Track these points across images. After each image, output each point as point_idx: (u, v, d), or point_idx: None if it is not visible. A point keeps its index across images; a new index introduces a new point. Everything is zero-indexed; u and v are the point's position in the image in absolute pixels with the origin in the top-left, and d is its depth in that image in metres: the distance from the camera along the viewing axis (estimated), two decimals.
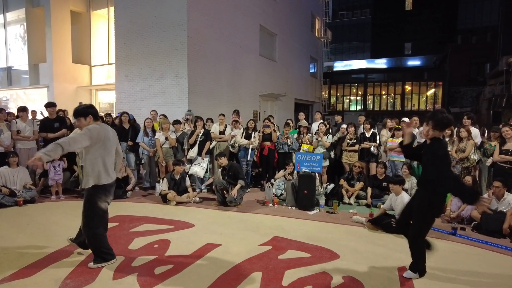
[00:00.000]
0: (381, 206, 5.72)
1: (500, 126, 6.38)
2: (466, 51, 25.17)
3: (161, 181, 6.59)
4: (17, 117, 6.68)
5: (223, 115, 7.74)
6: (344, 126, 7.55)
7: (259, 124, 14.24)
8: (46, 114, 7.09)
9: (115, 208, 5.53)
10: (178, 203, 6.03)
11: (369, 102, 31.31)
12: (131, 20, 11.65)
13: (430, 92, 29.11)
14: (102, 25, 14.91)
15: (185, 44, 10.78)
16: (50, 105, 6.76)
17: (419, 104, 29.35)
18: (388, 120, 7.44)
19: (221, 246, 4.16)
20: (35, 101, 15.04)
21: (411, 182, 6.08)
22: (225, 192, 6.04)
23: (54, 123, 6.60)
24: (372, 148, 7.00)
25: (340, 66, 35.17)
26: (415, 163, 6.69)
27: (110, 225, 4.67)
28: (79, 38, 14.66)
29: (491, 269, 3.68)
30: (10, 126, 6.32)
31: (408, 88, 29.63)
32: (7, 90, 15.89)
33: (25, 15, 14.41)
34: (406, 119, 7.23)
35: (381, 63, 33.79)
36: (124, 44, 11.89)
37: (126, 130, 7.13)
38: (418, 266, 3.40)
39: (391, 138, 6.77)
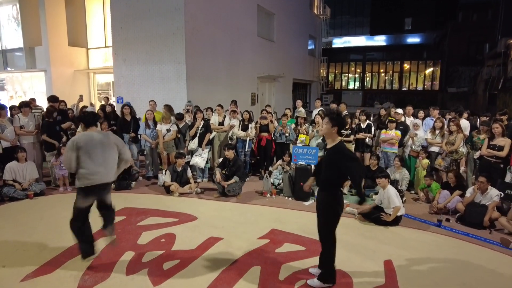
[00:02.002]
0: (373, 196, 6.07)
1: (492, 118, 6.63)
2: (466, 30, 24.91)
3: (163, 171, 6.89)
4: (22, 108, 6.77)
5: (221, 105, 7.91)
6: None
7: (257, 107, 14.45)
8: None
9: (121, 200, 5.85)
10: (180, 194, 6.35)
11: (368, 80, 31.24)
12: (127, 3, 11.50)
13: (429, 71, 29.03)
14: (97, 8, 14.67)
15: (183, 29, 10.73)
16: (52, 100, 6.92)
17: (417, 82, 29.34)
18: (392, 110, 7.66)
19: (223, 240, 4.50)
20: (33, 84, 15.05)
21: (402, 174, 6.40)
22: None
23: (55, 126, 6.77)
24: (367, 139, 7.25)
25: (339, 42, 34.72)
26: (406, 155, 6.99)
27: (118, 218, 5.02)
28: (74, 21, 14.45)
29: (469, 261, 4.04)
30: (12, 121, 6.49)
31: (406, 66, 29.51)
32: (3, 73, 15.82)
33: None
34: (399, 110, 7.43)
35: (380, 40, 33.40)
36: (121, 28, 11.80)
37: (128, 122, 7.32)
38: (325, 275, 3.43)
39: (384, 130, 7.01)
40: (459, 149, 6.18)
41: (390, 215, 5.00)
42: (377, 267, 3.86)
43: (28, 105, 6.71)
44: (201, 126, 7.24)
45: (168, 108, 7.97)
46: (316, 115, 7.68)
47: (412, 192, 6.71)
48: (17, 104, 7.19)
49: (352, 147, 7.25)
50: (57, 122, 6.83)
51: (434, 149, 6.68)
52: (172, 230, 4.77)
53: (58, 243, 4.29)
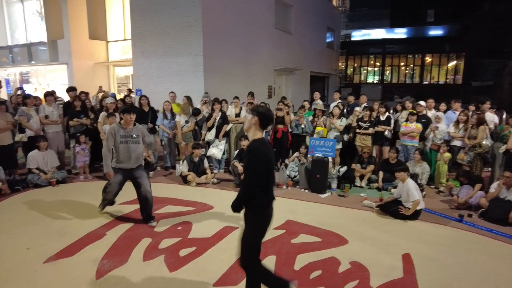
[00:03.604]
0: (392, 189, 5.95)
1: None
2: (492, 20, 23.85)
3: (181, 162, 6.96)
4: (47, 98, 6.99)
5: (237, 97, 7.90)
6: (357, 108, 7.62)
7: (274, 99, 14.37)
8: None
9: None
10: (197, 184, 6.41)
11: (387, 73, 30.52)
12: None
13: (451, 64, 28.08)
14: (117, 1, 14.86)
15: (200, 21, 10.74)
16: (71, 90, 7.11)
17: (438, 76, 28.45)
18: (407, 102, 7.48)
19: (238, 229, 4.51)
20: (56, 77, 15.45)
21: (422, 167, 6.24)
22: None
23: (80, 115, 6.96)
24: (386, 132, 7.10)
25: (358, 35, 33.99)
26: (427, 148, 6.81)
27: (136, 206, 5.13)
28: (94, 14, 14.71)
29: (490, 257, 3.91)
30: (38, 111, 6.68)
31: (428, 59, 28.64)
32: (28, 66, 16.31)
33: None
34: (422, 103, 7.22)
35: (401, 32, 32.43)
36: (139, 20, 11.92)
37: (145, 113, 7.41)
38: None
39: (404, 123, 6.84)
40: (482, 142, 5.97)
41: (409, 208, 4.89)
42: (394, 261, 3.78)
43: (52, 94, 6.89)
44: (218, 117, 7.25)
45: (188, 99, 8.02)
46: (334, 107, 7.56)
47: (432, 186, 6.54)
48: (41, 96, 7.42)
49: (369, 140, 7.11)
50: (81, 111, 7.00)
51: (457, 143, 6.48)
52: (189, 218, 4.83)
53: (78, 229, 4.41)
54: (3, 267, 3.49)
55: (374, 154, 7.25)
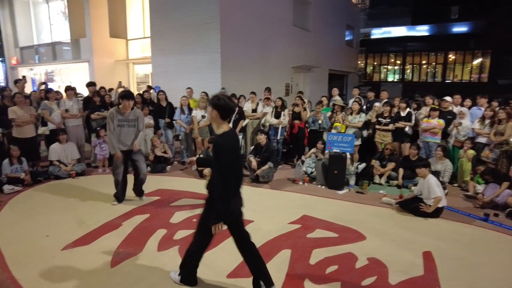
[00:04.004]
0: (412, 187, 5.77)
1: None
2: None
3: (197, 156, 6.97)
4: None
5: (254, 93, 7.86)
6: (377, 104, 7.43)
7: (291, 97, 14.25)
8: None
9: (156, 182, 6.01)
10: None
11: (408, 72, 29.81)
12: None
13: (476, 61, 27.12)
14: None
15: (217, 18, 10.76)
16: (90, 85, 7.28)
17: (462, 74, 27.53)
18: (428, 98, 7.24)
19: (253, 223, 4.46)
20: (78, 76, 15.85)
21: (445, 164, 6.02)
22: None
23: (100, 109, 7.10)
24: (406, 128, 6.89)
25: (378, 33, 33.33)
26: (450, 145, 6.56)
27: (152, 198, 5.19)
28: (115, 13, 15.00)
29: None
30: (59, 105, 6.85)
31: (451, 57, 27.76)
32: (52, 65, 16.81)
33: None
34: (447, 98, 6.96)
35: (422, 30, 31.57)
36: (158, 18, 12.07)
37: (163, 107, 7.48)
38: (183, 271, 3.03)
39: (426, 119, 6.62)
40: (510, 138, 5.69)
41: (430, 206, 4.71)
42: (414, 258, 3.64)
43: (72, 89, 7.05)
44: (235, 112, 7.22)
45: (206, 96, 8.04)
46: (353, 102, 7.40)
47: (455, 185, 6.29)
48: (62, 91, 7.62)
49: (390, 136, 6.92)
50: (101, 105, 7.13)
51: (482, 139, 6.21)
52: None
53: (95, 219, 4.48)
54: (24, 252, 3.58)
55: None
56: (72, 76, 16.48)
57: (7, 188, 5.50)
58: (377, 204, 5.26)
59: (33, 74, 17.85)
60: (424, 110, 7.03)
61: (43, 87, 8.63)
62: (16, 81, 8.37)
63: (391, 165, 6.40)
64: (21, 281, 3.05)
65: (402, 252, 3.76)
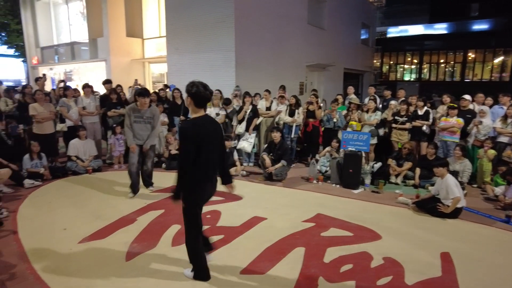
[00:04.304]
0: (429, 187, 5.63)
1: None
2: None
3: None
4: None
5: (268, 91, 7.83)
6: (393, 102, 7.30)
7: (305, 96, 14.16)
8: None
9: (170, 179, 6.02)
10: None
11: (425, 71, 29.18)
12: None
13: (498, 60, 26.31)
14: None
15: (232, 16, 10.76)
16: (106, 82, 7.40)
17: (482, 73, 26.75)
18: (445, 96, 7.06)
19: (266, 220, 4.45)
20: (95, 74, 16.15)
21: (463, 164, 5.85)
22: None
23: (116, 106, 7.20)
24: (424, 127, 6.74)
25: (394, 32, 32.75)
26: (469, 144, 6.39)
27: (167, 194, 5.23)
28: (131, 12, 15.20)
29: None
30: (77, 102, 6.99)
31: (471, 56, 27.02)
32: (71, 64, 17.20)
33: None
34: (466, 97, 6.77)
35: (440, 28, 30.83)
36: (174, 17, 12.16)
37: (178, 105, 7.54)
38: (194, 267, 3.07)
39: (444, 117, 6.45)
40: None
41: (448, 206, 4.59)
42: (432, 259, 3.55)
43: (89, 87, 7.18)
44: (249, 110, 7.23)
45: (220, 93, 8.08)
46: (369, 100, 7.28)
47: (475, 185, 6.11)
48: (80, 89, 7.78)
49: (407, 135, 6.79)
50: (117, 103, 7.23)
51: (504, 139, 6.02)
52: (218, 207, 4.83)
53: (111, 213, 4.55)
54: (43, 245, 3.67)
55: None
56: (89, 75, 16.80)
57: (27, 182, 5.65)
58: (393, 204, 5.16)
59: (53, 74, 18.30)
60: (441, 109, 6.87)
61: (61, 85, 8.85)
62: (37, 79, 8.60)
63: (407, 164, 6.27)
64: (40, 272, 3.12)
65: (419, 252, 3.68)
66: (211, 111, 7.32)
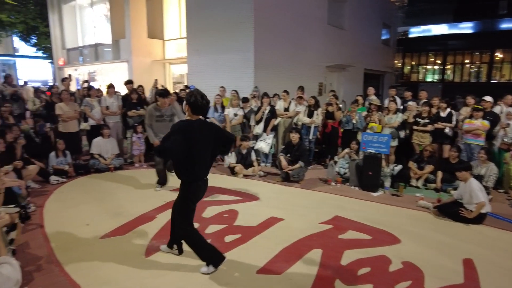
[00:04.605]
0: (451, 191, 5.48)
1: None
2: None
3: (229, 154, 7.06)
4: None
5: (287, 91, 7.82)
6: (411, 104, 7.15)
7: (324, 97, 14.05)
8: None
9: None
10: (244, 176, 6.46)
11: (449, 71, 28.34)
12: None
13: None
14: (174, 0, 15.54)
15: (252, 17, 10.80)
16: (128, 82, 7.59)
17: (510, 74, 25.73)
18: (469, 98, 6.85)
19: (283, 221, 4.45)
20: (117, 75, 16.58)
21: (489, 168, 5.66)
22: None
23: (136, 106, 7.36)
24: (446, 129, 6.56)
25: (416, 31, 32.00)
26: (495, 148, 6.17)
27: None
28: (153, 14, 15.50)
29: None
30: (100, 102, 7.20)
31: (498, 56, 26.04)
32: (95, 65, 17.73)
33: None
34: (487, 98, 6.55)
35: (466, 27, 29.89)
36: (194, 18, 12.32)
37: None
38: (205, 258, 3.17)
39: (468, 119, 6.26)
40: None
41: (471, 211, 4.45)
42: (453, 264, 3.45)
43: (112, 87, 7.38)
44: (267, 111, 7.24)
45: (236, 93, 8.16)
46: (390, 101, 7.14)
47: (501, 191, 5.90)
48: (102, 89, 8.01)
49: (428, 137, 6.62)
50: (138, 103, 7.40)
51: None
52: (235, 207, 4.87)
53: (131, 210, 4.66)
54: (66, 239, 3.81)
55: None
56: (112, 75, 17.26)
57: (53, 179, 5.87)
58: (413, 207, 5.05)
59: (78, 74, 18.91)
60: (465, 111, 6.66)
61: (85, 85, 9.13)
62: (63, 80, 8.91)
63: (429, 167, 6.12)
64: (64, 265, 3.25)
65: (440, 257, 3.58)
66: (230, 111, 7.38)
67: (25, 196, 4.52)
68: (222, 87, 8.55)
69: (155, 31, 15.70)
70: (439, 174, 5.91)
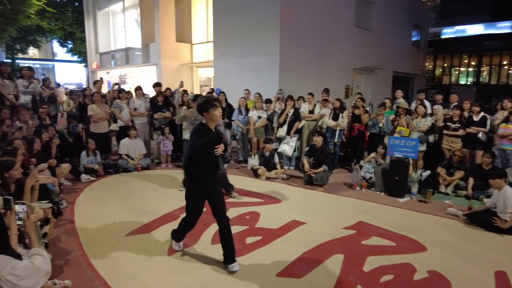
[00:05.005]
0: (484, 199, 5.23)
1: None
2: None
3: (252, 156, 7.11)
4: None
5: (312, 94, 7.76)
6: (436, 107, 6.89)
7: (351, 100, 13.81)
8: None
9: None
10: (267, 178, 6.47)
11: (484, 74, 27.04)
12: None
13: None
14: (201, 4, 15.86)
15: (277, 21, 10.84)
16: (157, 85, 7.82)
17: None
18: (506, 101, 6.51)
19: (305, 225, 4.41)
20: (146, 78, 17.12)
21: None
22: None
23: (162, 109, 7.57)
24: (480, 134, 6.26)
25: (449, 32, 30.79)
26: None
27: None
28: (181, 19, 15.92)
29: None
30: (128, 103, 7.46)
31: None
32: (125, 68, 18.41)
33: (138, 0, 16.19)
34: None
35: (505, 26, 28.43)
36: (221, 22, 12.53)
37: (223, 108, 7.71)
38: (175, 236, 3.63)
39: (504, 124, 5.95)
40: None
41: (506, 221, 4.22)
42: (484, 276, 3.29)
43: (140, 89, 7.63)
44: (290, 113, 7.23)
45: (259, 97, 8.19)
46: (419, 104, 6.91)
47: None
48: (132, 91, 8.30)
49: (459, 142, 6.35)
50: (163, 105, 7.61)
51: None
52: (257, 209, 4.88)
53: (156, 209, 4.79)
54: (94, 235, 3.97)
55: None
56: (141, 78, 17.85)
57: (84, 177, 6.13)
58: (441, 215, 4.86)
59: (109, 77, 19.70)
60: (501, 115, 6.34)
61: (116, 87, 9.50)
62: (95, 82, 9.33)
63: (459, 173, 5.86)
64: (91, 259, 3.39)
65: (469, 268, 3.42)
66: (253, 114, 7.42)
67: (58, 193, 4.74)
68: (246, 89, 8.63)
69: (183, 35, 16.10)
70: (471, 180, 5.65)
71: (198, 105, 3.22)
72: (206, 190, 3.30)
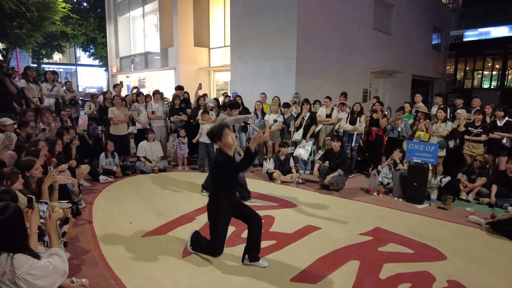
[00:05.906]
0: (508, 207, 5.03)
1: None
2: None
3: (267, 159, 7.09)
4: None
5: (329, 97, 7.69)
6: (459, 111, 6.69)
7: (368, 104, 13.62)
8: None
9: None
10: (282, 182, 6.44)
11: (509, 77, 26.08)
12: (245, 2, 12.23)
13: None
14: (219, 9, 16.04)
15: (295, 24, 10.82)
16: (178, 88, 7.93)
17: None
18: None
19: (321, 230, 4.36)
20: (165, 81, 17.42)
21: None
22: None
23: (179, 112, 7.67)
24: (504, 140, 6.04)
25: (472, 35, 29.96)
26: None
27: None
28: (199, 24, 16.14)
29: None
30: (146, 107, 7.59)
31: None
32: (144, 72, 18.78)
33: (158, 6, 16.53)
34: None
35: None
36: (238, 26, 12.62)
37: (239, 112, 7.76)
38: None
39: None
40: None
41: None
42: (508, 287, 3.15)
43: (158, 93, 7.77)
44: (306, 117, 7.18)
45: (278, 99, 8.19)
46: (438, 109, 6.74)
47: None
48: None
49: (482, 148, 6.15)
50: (180, 108, 7.71)
51: None
52: (271, 213, 4.86)
53: (172, 211, 4.84)
54: (111, 235, 4.04)
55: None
56: (160, 82, 18.18)
57: (102, 178, 6.27)
58: (462, 222, 4.71)
59: (129, 81, 20.15)
60: None
61: (135, 91, 9.69)
62: (115, 86, 9.53)
63: (481, 180, 5.67)
64: (108, 259, 3.44)
65: (492, 279, 3.29)
66: (270, 117, 7.42)
67: (77, 193, 4.87)
68: (263, 93, 8.64)
69: (201, 39, 16.31)
70: (494, 187, 5.45)
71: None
72: (231, 210, 3.34)
